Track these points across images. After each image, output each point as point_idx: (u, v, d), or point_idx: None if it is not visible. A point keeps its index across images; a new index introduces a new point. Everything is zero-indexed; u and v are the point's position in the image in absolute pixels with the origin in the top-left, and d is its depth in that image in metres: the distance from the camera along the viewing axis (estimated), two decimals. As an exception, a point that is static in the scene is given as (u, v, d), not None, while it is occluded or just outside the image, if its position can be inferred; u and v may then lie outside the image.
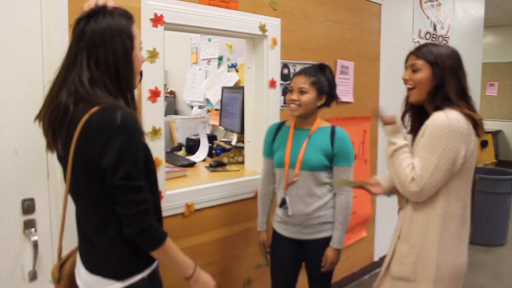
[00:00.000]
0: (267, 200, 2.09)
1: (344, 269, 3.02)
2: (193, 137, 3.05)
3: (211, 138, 3.01)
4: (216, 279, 2.24)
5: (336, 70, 2.83)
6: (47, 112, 1.15)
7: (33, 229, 1.54)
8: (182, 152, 3.01)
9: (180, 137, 3.27)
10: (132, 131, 1.10)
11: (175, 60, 3.98)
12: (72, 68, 1.13)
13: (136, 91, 1.27)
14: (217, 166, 2.50)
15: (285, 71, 2.51)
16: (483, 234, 3.75)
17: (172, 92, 4.14)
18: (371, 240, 3.33)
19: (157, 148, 1.88)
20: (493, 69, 7.68)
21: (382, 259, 1.71)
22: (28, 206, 1.53)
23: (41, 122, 1.19)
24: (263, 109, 2.41)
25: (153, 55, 1.84)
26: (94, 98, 1.11)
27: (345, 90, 2.92)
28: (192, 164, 2.57)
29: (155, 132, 1.88)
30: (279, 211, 1.98)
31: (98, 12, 1.15)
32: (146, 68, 1.70)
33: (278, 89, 2.45)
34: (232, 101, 2.79)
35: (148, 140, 1.83)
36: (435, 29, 3.80)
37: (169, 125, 3.28)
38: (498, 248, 3.96)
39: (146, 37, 1.80)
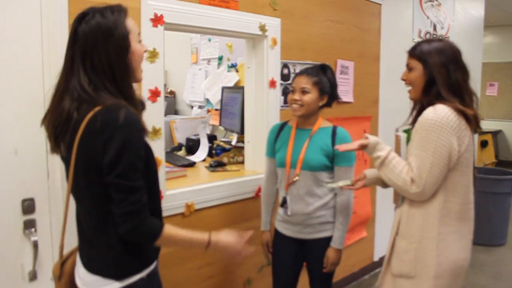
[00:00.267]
0: (270, 200, 2.10)
1: (344, 269, 3.02)
2: (193, 137, 3.05)
3: (211, 138, 3.01)
4: (216, 279, 2.26)
5: (336, 70, 2.83)
6: (51, 118, 1.17)
7: (33, 229, 1.54)
8: (182, 152, 3.00)
9: (180, 137, 3.27)
10: (133, 131, 1.11)
11: (175, 60, 3.98)
12: (71, 74, 1.13)
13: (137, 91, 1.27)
14: (217, 166, 2.50)
15: (285, 71, 2.51)
16: (483, 234, 3.75)
17: (172, 92, 4.14)
18: (371, 240, 3.33)
19: (157, 148, 1.88)
20: (493, 69, 7.68)
21: (382, 259, 1.71)
22: (28, 206, 1.53)
23: (46, 127, 1.20)
24: (263, 109, 2.41)
25: (153, 55, 1.84)
26: (97, 100, 1.11)
27: (345, 90, 2.92)
28: (192, 164, 2.57)
29: (155, 132, 1.89)
30: (280, 211, 1.99)
31: (88, 12, 1.14)
32: (146, 68, 1.70)
33: (278, 89, 2.45)
34: (232, 101, 2.79)
35: (148, 140, 1.83)
36: (435, 29, 3.80)
37: (169, 125, 3.28)
38: (498, 248, 3.97)
39: (146, 37, 1.80)
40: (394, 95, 3.33)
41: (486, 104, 7.65)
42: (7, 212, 1.50)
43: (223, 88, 3.08)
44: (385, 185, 1.67)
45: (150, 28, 1.83)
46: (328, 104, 1.94)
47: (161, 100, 1.89)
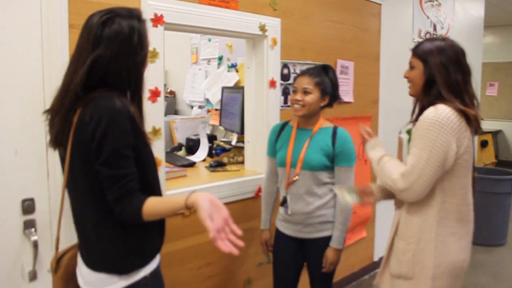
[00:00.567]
0: (271, 199, 2.11)
1: (344, 269, 3.02)
2: (193, 137, 3.05)
3: (211, 138, 3.01)
4: (216, 279, 2.26)
5: (336, 70, 2.83)
6: (51, 119, 1.19)
7: (33, 229, 1.54)
8: (182, 152, 3.00)
9: (180, 137, 3.27)
10: (119, 118, 1.11)
11: (175, 60, 3.98)
12: (78, 73, 1.14)
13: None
14: (217, 166, 2.50)
15: (285, 71, 2.51)
16: (483, 234, 3.76)
17: (172, 92, 4.14)
18: (371, 240, 3.33)
19: (157, 148, 1.88)
20: (493, 69, 7.68)
21: (382, 259, 1.71)
22: (28, 206, 1.53)
23: (47, 121, 1.22)
24: (263, 109, 2.41)
25: (153, 55, 1.84)
26: (92, 97, 1.13)
27: (345, 90, 2.92)
28: (192, 164, 2.57)
29: (155, 132, 1.89)
30: (281, 210, 2.00)
31: (111, 17, 1.16)
32: (146, 68, 1.70)
33: (278, 89, 2.45)
34: (232, 101, 2.79)
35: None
36: (435, 29, 3.80)
37: (169, 125, 3.28)
38: (498, 248, 3.97)
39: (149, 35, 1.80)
40: (394, 95, 3.34)
41: (486, 104, 7.65)
42: (7, 212, 1.50)
43: (223, 88, 3.08)
44: (389, 196, 1.68)
45: (150, 28, 1.82)
46: (329, 105, 1.95)
47: (161, 100, 1.89)
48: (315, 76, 1.88)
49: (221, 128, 3.15)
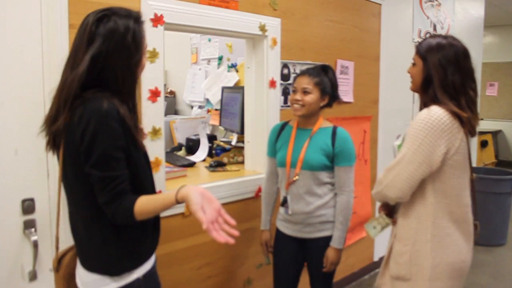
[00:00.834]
0: (271, 199, 2.11)
1: (344, 269, 3.02)
2: (193, 137, 3.05)
3: (211, 138, 3.01)
4: (216, 279, 2.26)
5: (336, 70, 2.83)
6: (48, 120, 1.19)
7: (33, 229, 1.54)
8: (182, 152, 3.00)
9: (180, 137, 3.27)
10: (108, 119, 1.11)
11: (175, 60, 3.97)
12: (75, 72, 1.13)
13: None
14: (217, 166, 2.50)
15: (285, 71, 2.51)
16: (483, 234, 3.71)
17: (172, 92, 4.14)
18: (371, 240, 3.33)
19: (157, 148, 1.88)
20: (493, 69, 7.68)
21: (382, 259, 1.71)
22: (28, 206, 1.53)
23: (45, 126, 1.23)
24: (263, 109, 2.41)
25: (153, 55, 1.84)
26: (85, 97, 1.13)
27: (345, 90, 2.92)
28: (192, 164, 2.57)
29: (155, 132, 1.88)
30: (281, 210, 2.00)
31: (107, 14, 1.15)
32: (146, 68, 1.70)
33: (278, 89, 2.45)
34: (232, 101, 2.79)
35: (148, 140, 1.84)
36: (435, 29, 3.80)
37: (169, 125, 3.28)
38: (498, 248, 3.97)
39: (146, 37, 1.80)
40: (394, 95, 3.34)
41: (486, 104, 7.65)
42: (7, 212, 1.50)
43: (223, 88, 3.08)
44: None
45: (150, 28, 1.82)
46: (328, 105, 1.95)
47: (161, 100, 1.89)
48: (314, 76, 1.88)
49: (221, 128, 3.15)
